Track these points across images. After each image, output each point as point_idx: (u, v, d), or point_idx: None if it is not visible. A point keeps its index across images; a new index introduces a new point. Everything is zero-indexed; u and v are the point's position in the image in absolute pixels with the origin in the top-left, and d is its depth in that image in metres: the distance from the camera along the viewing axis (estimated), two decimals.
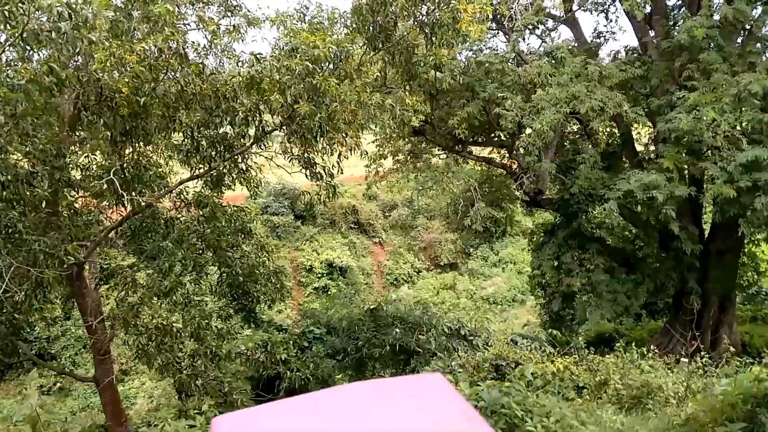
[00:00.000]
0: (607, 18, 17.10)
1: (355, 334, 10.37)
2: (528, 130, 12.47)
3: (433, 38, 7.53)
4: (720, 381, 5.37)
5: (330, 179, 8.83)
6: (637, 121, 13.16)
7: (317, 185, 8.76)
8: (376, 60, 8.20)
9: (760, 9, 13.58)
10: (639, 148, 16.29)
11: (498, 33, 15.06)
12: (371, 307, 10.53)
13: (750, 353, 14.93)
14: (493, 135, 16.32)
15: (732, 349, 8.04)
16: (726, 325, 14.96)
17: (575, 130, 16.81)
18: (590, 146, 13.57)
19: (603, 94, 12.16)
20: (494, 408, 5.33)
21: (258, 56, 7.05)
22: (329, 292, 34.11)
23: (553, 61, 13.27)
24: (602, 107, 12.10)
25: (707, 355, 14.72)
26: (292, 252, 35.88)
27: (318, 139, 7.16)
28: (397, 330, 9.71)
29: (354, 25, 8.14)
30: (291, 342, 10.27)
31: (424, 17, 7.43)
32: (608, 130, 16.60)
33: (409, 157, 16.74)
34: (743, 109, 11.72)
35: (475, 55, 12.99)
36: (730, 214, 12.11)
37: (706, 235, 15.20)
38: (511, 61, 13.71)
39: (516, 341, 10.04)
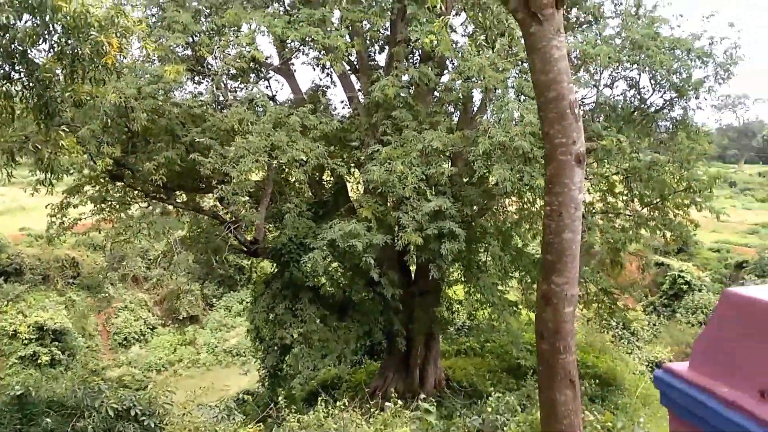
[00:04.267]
0: (323, 71, 17.77)
1: None
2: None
3: (74, 73, 6.46)
4: None
5: None
6: (341, 173, 13.53)
7: None
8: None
9: (447, 76, 15.30)
10: (355, 196, 16.96)
11: (208, 78, 14.36)
12: (17, 392, 8.54)
13: (452, 387, 16.24)
14: (212, 182, 15.47)
15: None
16: (431, 362, 16.05)
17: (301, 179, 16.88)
18: (296, 196, 13.56)
19: (305, 144, 12.22)
20: None
21: None
22: (39, 361, 29.02)
23: (260, 109, 13.04)
24: (305, 158, 12.16)
25: (419, 392, 15.37)
26: None
27: None
28: (49, 420, 7.93)
29: None
30: None
31: (63, 47, 6.33)
32: (328, 179, 17.03)
33: (116, 205, 14.90)
34: (429, 162, 12.78)
35: (170, 97, 12.07)
36: (422, 259, 13.04)
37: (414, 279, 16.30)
38: (216, 106, 13.12)
39: (206, 411, 9.11)
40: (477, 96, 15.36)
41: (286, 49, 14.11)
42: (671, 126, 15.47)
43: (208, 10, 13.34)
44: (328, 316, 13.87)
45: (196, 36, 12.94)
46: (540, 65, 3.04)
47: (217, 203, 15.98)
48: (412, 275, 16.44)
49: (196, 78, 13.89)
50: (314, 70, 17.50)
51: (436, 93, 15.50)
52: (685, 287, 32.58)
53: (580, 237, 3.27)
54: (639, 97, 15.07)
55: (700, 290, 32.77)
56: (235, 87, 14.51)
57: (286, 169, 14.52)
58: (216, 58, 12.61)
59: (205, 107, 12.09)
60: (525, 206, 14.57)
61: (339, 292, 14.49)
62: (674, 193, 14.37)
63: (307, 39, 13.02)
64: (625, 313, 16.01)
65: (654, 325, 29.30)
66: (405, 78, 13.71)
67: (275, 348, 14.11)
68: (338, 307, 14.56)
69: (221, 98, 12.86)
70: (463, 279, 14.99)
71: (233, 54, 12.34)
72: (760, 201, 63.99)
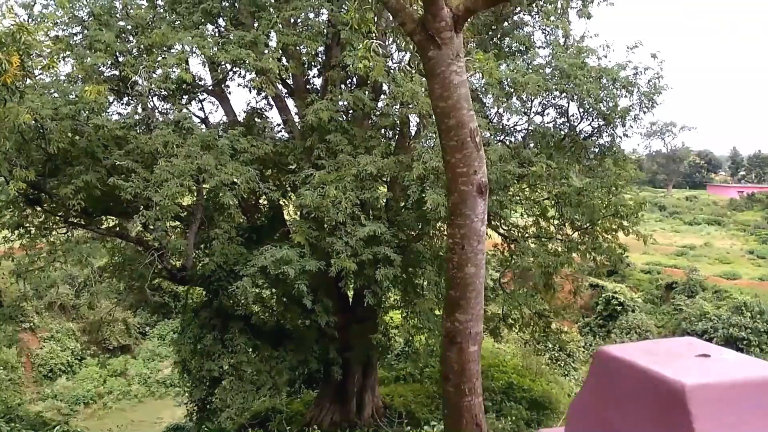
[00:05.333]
0: (259, 94, 17.43)
1: None
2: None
3: None
4: None
5: None
6: (273, 197, 13.19)
7: None
8: None
9: (383, 102, 15.19)
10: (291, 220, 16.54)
11: (135, 99, 13.79)
12: None
13: (390, 415, 15.93)
14: (139, 207, 14.77)
15: None
16: (369, 389, 15.71)
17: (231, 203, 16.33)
18: (226, 221, 13.11)
19: (234, 168, 11.85)
20: None
21: None
22: None
23: (186, 131, 12.59)
24: (234, 182, 11.77)
25: (356, 422, 14.93)
26: None
27: None
28: None
29: None
30: None
31: None
32: (264, 203, 16.57)
33: (35, 231, 14.00)
34: (363, 187, 12.61)
35: (93, 118, 11.45)
36: (357, 285, 12.79)
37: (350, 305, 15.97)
38: (143, 128, 12.59)
39: None
40: (415, 121, 15.39)
41: (218, 71, 13.75)
42: (599, 153, 15.90)
43: (134, 30, 12.87)
44: (261, 346, 13.38)
45: (121, 56, 12.44)
46: (439, 91, 2.91)
47: (143, 229, 15.29)
48: (349, 301, 16.13)
49: (124, 99, 13.32)
50: (250, 92, 17.17)
51: (373, 117, 15.42)
52: (618, 308, 33.58)
53: (484, 271, 3.12)
54: (568, 124, 15.44)
55: (633, 311, 33.85)
56: (166, 109, 14.01)
57: (221, 194, 14.05)
58: (143, 79, 12.12)
59: (128, 129, 11.57)
60: None
61: (272, 321, 14.03)
62: (603, 218, 14.69)
63: (239, 61, 12.72)
64: (559, 335, 16.19)
65: (590, 345, 29.93)
66: (341, 102, 13.57)
67: (203, 381, 13.46)
68: (271, 336, 14.07)
69: (149, 120, 12.36)
70: (400, 304, 14.81)
71: (160, 75, 11.90)
72: (687, 224, 67.16)
